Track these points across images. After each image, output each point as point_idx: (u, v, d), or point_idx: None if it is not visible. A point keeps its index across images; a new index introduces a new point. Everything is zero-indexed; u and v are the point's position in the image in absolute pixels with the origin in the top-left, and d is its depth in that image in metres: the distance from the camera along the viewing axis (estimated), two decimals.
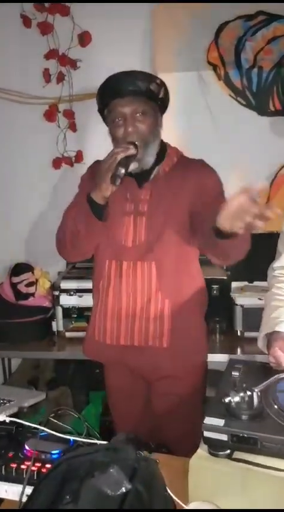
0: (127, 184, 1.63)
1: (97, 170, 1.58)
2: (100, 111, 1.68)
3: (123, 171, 1.47)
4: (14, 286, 2.44)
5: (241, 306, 2.29)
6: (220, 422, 1.01)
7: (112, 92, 1.59)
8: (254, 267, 2.46)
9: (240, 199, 1.24)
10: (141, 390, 1.77)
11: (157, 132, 1.64)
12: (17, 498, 1.01)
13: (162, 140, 1.71)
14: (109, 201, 1.57)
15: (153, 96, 1.60)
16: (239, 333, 2.31)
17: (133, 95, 1.56)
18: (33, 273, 2.50)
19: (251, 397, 1.03)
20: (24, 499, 0.98)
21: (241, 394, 1.04)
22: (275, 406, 1.05)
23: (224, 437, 0.99)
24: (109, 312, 1.69)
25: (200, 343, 1.78)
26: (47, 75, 2.63)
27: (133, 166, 1.55)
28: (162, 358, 1.68)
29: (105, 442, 1.10)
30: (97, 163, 1.78)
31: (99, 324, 1.73)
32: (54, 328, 2.42)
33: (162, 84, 1.64)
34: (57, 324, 2.42)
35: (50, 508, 0.85)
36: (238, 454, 0.99)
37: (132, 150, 1.51)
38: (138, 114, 1.57)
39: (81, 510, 0.80)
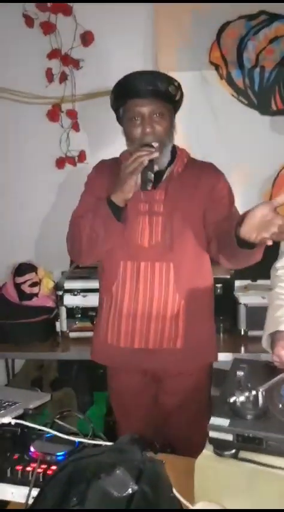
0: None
1: (118, 173, 1.57)
2: (115, 109, 1.67)
3: (152, 175, 1.49)
4: (17, 286, 2.44)
5: (245, 304, 2.29)
6: (225, 422, 1.01)
7: (131, 91, 1.58)
8: (257, 266, 2.46)
9: (263, 210, 1.26)
10: (148, 390, 1.77)
11: (172, 134, 1.65)
12: (23, 500, 1.02)
13: None
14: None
15: (170, 98, 1.60)
16: (243, 332, 2.31)
17: (152, 95, 1.56)
18: (36, 273, 2.49)
19: (256, 396, 1.03)
20: (31, 501, 0.98)
21: (246, 393, 1.04)
22: (280, 406, 1.05)
23: (229, 437, 0.99)
24: (125, 313, 1.67)
25: (211, 343, 1.79)
26: (49, 75, 2.63)
27: (156, 169, 1.55)
28: (175, 359, 1.68)
29: (110, 443, 1.10)
30: (102, 163, 1.79)
31: (112, 326, 1.71)
32: (58, 329, 2.42)
33: (179, 87, 1.65)
34: (61, 324, 2.41)
35: (57, 509, 0.86)
36: (243, 454, 0.99)
37: (155, 153, 1.52)
38: (155, 115, 1.57)
39: (90, 510, 0.80)
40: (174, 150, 1.72)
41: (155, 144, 1.55)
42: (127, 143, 1.64)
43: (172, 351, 1.67)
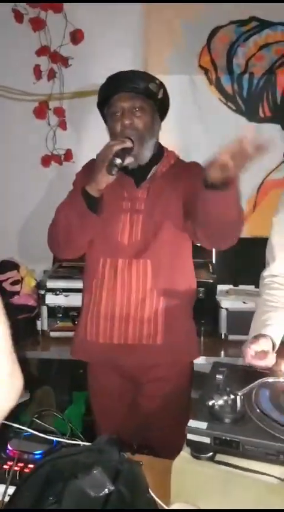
0: (124, 183, 1.68)
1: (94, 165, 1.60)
2: (101, 108, 1.73)
3: (119, 160, 1.50)
4: None
5: (226, 309, 2.31)
6: (203, 425, 1.01)
7: (114, 87, 1.65)
8: (239, 271, 2.51)
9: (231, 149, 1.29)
10: (127, 392, 1.77)
11: (153, 130, 1.68)
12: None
13: (160, 143, 1.76)
14: (107, 199, 1.61)
15: (151, 94, 1.65)
16: (223, 336, 2.33)
17: (132, 91, 1.63)
18: (18, 271, 2.48)
19: (234, 400, 1.04)
20: (7, 498, 0.98)
21: (225, 397, 1.05)
22: (258, 410, 1.06)
23: (207, 440, 1.00)
24: (103, 310, 1.69)
25: (192, 341, 1.81)
26: (37, 72, 2.61)
27: (128, 160, 1.58)
28: (156, 355, 1.69)
29: (88, 443, 1.10)
30: (93, 161, 1.80)
31: (91, 323, 1.72)
32: (39, 328, 2.41)
33: (161, 86, 1.70)
34: (42, 323, 2.40)
35: (33, 509, 0.85)
36: (220, 457, 1.00)
37: (128, 143, 1.55)
38: (135, 110, 1.63)
39: (68, 510, 0.80)
40: (162, 150, 1.76)
41: (133, 138, 1.60)
42: (111, 139, 1.66)
43: (152, 347, 1.68)
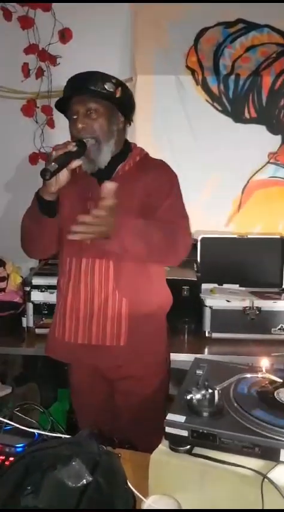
0: (89, 183, 1.67)
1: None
2: (64, 112, 1.70)
3: (53, 164, 1.45)
4: None
5: (210, 307, 2.33)
6: (181, 418, 1.03)
7: (69, 90, 1.64)
8: (223, 270, 2.53)
9: None
10: (103, 388, 1.78)
11: (111, 132, 1.65)
12: None
13: (127, 140, 1.75)
14: (71, 199, 1.62)
15: (107, 95, 1.62)
16: (207, 334, 2.34)
17: (87, 93, 1.60)
18: (4, 267, 2.48)
19: (212, 394, 1.06)
20: None
21: (203, 391, 1.06)
22: (235, 404, 1.08)
23: (185, 433, 1.01)
24: (68, 309, 1.70)
25: (159, 344, 1.79)
26: (25, 70, 2.62)
27: (76, 164, 1.53)
28: (120, 357, 1.68)
29: (69, 436, 1.11)
30: None
31: (59, 321, 1.74)
32: (24, 324, 2.41)
33: (119, 84, 1.67)
34: (27, 320, 2.40)
35: (10, 501, 0.87)
36: (198, 450, 1.02)
37: (70, 147, 1.51)
38: (90, 112, 1.60)
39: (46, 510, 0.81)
40: (129, 148, 1.75)
41: (88, 141, 1.58)
42: None
43: (116, 348, 1.68)
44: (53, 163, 1.46)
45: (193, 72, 2.57)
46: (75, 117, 1.62)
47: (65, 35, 2.57)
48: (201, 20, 2.52)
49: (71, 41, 2.58)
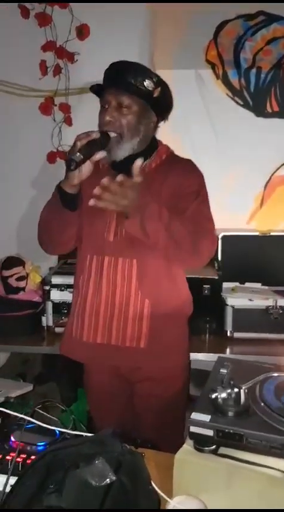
0: (112, 178, 1.62)
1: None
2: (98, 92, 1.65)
3: (78, 155, 1.42)
4: (4, 279, 2.43)
5: (232, 306, 2.29)
6: (206, 417, 1.00)
7: (107, 79, 1.60)
8: (246, 268, 2.49)
9: None
10: (122, 389, 1.75)
11: (138, 130, 1.58)
12: (1, 488, 1.01)
13: (154, 138, 1.69)
14: (91, 193, 1.55)
15: (144, 93, 1.56)
16: (229, 334, 2.30)
17: (123, 87, 1.55)
18: (24, 267, 2.48)
19: (238, 393, 1.03)
20: (8, 489, 0.97)
21: (228, 390, 1.04)
22: (262, 404, 1.05)
23: (210, 432, 0.99)
24: (88, 308, 1.66)
25: (179, 348, 1.75)
26: (43, 68, 2.60)
27: (100, 155, 1.48)
28: (139, 359, 1.65)
29: (91, 435, 1.09)
30: None
31: (77, 320, 1.70)
32: (44, 323, 2.41)
33: (160, 84, 1.60)
34: (47, 319, 2.40)
35: (33, 500, 0.85)
36: (223, 450, 0.99)
37: (94, 135, 1.47)
38: (121, 107, 1.55)
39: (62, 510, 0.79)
40: (155, 146, 1.69)
41: (112, 134, 1.54)
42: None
43: (136, 350, 1.64)
44: (78, 153, 1.42)
45: (213, 66, 2.54)
46: (106, 106, 1.57)
47: (82, 31, 2.55)
48: (221, 13, 2.49)
49: (88, 37, 2.56)
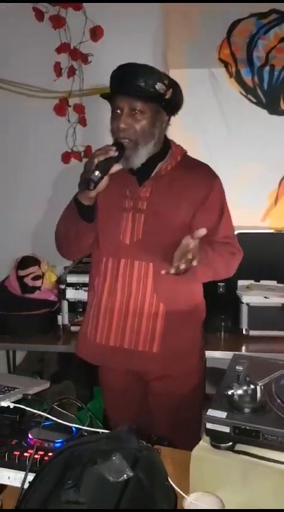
0: (127, 181, 1.62)
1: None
2: (109, 97, 1.62)
3: (96, 173, 1.42)
4: (20, 279, 2.45)
5: (247, 304, 2.29)
6: (222, 414, 1.01)
7: (116, 85, 1.56)
8: (260, 266, 2.48)
9: (186, 241, 1.44)
10: (136, 390, 1.74)
11: (153, 134, 1.56)
12: (19, 485, 1.02)
13: (166, 137, 1.67)
14: (109, 197, 1.58)
15: (156, 96, 1.53)
16: (244, 332, 2.30)
17: (135, 92, 1.51)
18: (39, 266, 2.50)
19: (254, 390, 1.03)
20: (27, 485, 0.99)
21: (244, 387, 1.04)
22: (278, 400, 1.05)
23: (226, 429, 0.99)
24: (102, 310, 1.66)
25: (192, 351, 1.73)
26: (57, 69, 2.63)
27: (116, 168, 1.48)
28: (151, 363, 1.64)
29: (107, 431, 1.10)
30: None
31: (92, 322, 1.70)
32: (60, 322, 2.43)
33: (171, 85, 1.57)
34: (63, 318, 2.42)
35: (51, 496, 0.86)
36: (240, 447, 1.00)
37: (112, 152, 1.46)
38: (135, 112, 1.52)
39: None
40: (168, 146, 1.67)
41: (125, 141, 1.52)
42: (111, 133, 1.60)
43: (148, 354, 1.63)
44: (97, 172, 1.42)
45: (226, 64, 2.53)
46: (118, 111, 1.54)
47: (96, 33, 2.57)
48: (233, 12, 2.48)
49: (102, 39, 2.58)
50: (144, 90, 1.51)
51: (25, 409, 1.20)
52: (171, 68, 2.51)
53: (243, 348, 2.23)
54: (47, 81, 2.65)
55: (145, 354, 1.63)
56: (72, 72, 2.64)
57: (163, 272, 1.44)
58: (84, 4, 2.55)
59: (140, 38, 2.53)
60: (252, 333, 2.28)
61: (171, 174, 1.63)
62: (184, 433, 1.48)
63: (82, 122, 2.70)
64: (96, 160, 1.44)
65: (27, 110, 2.70)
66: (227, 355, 2.05)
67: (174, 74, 2.51)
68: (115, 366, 1.70)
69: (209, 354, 1.98)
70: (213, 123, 2.54)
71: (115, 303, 1.63)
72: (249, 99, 2.54)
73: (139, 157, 1.56)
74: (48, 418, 1.16)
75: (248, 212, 2.58)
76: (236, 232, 2.44)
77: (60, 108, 2.68)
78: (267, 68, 2.50)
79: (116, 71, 1.58)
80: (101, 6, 2.53)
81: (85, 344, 1.75)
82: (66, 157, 2.72)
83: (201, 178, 1.65)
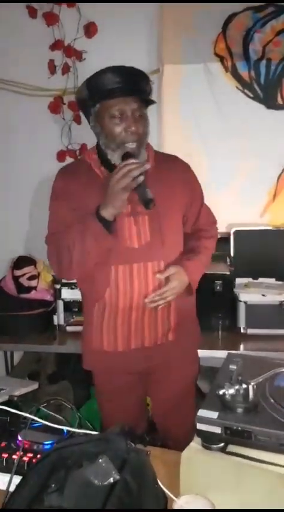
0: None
1: (88, 176, 1.61)
2: (86, 103, 1.59)
3: (148, 190, 1.44)
4: (15, 279, 2.44)
5: (245, 302, 2.26)
6: (214, 414, 0.98)
7: (120, 90, 1.52)
8: (258, 264, 2.45)
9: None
10: (136, 390, 1.75)
11: (148, 133, 1.60)
12: (4, 487, 1.00)
13: None
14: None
15: (149, 95, 1.59)
16: (242, 330, 2.27)
17: (137, 95, 1.53)
18: (35, 266, 2.49)
19: (246, 390, 1.01)
20: (12, 488, 0.96)
21: (236, 386, 1.01)
22: (271, 400, 1.02)
23: (217, 429, 0.97)
24: (120, 317, 1.63)
25: (197, 332, 1.84)
26: (52, 67, 2.61)
27: (142, 178, 1.47)
28: (166, 350, 1.68)
29: (97, 433, 1.08)
30: (65, 169, 1.74)
31: (108, 333, 1.66)
32: (55, 322, 2.41)
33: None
34: (58, 318, 2.40)
35: (33, 501, 0.83)
36: (231, 448, 0.97)
37: (147, 166, 1.46)
38: (135, 114, 1.53)
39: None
40: None
41: (132, 146, 1.52)
42: (102, 139, 1.58)
43: (165, 345, 1.68)
44: (147, 189, 1.45)
45: (221, 59, 2.49)
46: (116, 113, 1.52)
47: (90, 29, 2.54)
48: (229, 6, 2.44)
49: (96, 35, 2.55)
50: (145, 93, 1.57)
51: (10, 411, 1.17)
52: (165, 64, 2.49)
53: (241, 346, 2.19)
54: (41, 79, 2.63)
55: (163, 346, 1.67)
56: (66, 69, 2.62)
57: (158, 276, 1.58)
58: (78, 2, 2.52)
59: (134, 33, 2.50)
60: (250, 331, 2.25)
61: (155, 170, 1.61)
62: (180, 417, 1.61)
63: (77, 119, 2.66)
64: (141, 178, 1.43)
65: (21, 108, 2.67)
66: (225, 354, 2.03)
67: (169, 69, 2.51)
68: (135, 368, 1.69)
69: (206, 353, 1.96)
70: (209, 118, 2.50)
71: (132, 308, 1.62)
72: (246, 94, 2.49)
73: (141, 158, 1.56)
74: (37, 420, 1.13)
75: (247, 208, 2.55)
76: (233, 229, 2.45)
77: (55, 106, 2.66)
78: (264, 62, 2.46)
79: (110, 74, 1.54)
80: (95, 3, 2.50)
81: (101, 357, 1.70)
82: (61, 156, 2.70)
83: (181, 170, 1.73)
